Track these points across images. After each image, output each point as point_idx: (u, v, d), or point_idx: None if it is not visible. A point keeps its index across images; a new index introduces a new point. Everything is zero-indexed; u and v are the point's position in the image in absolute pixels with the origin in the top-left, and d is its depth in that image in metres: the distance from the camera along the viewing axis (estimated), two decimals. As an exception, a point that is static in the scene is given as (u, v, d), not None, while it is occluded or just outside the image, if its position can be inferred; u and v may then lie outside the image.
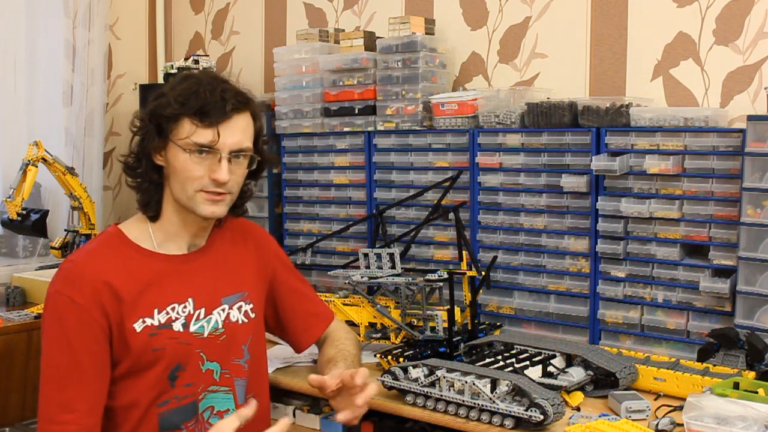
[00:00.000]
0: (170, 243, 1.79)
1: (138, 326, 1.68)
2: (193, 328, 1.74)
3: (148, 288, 1.71)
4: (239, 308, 1.83)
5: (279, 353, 2.36)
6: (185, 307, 1.75)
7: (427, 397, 1.95)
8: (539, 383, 1.92)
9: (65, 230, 3.29)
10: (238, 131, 1.71)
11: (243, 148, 1.73)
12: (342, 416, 1.73)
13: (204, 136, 1.67)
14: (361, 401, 1.70)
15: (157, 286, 1.73)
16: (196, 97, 1.67)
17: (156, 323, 1.70)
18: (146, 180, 1.76)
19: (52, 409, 1.62)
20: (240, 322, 1.82)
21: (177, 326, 1.72)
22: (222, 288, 1.82)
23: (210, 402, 1.75)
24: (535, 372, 2.03)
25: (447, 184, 2.68)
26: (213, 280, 1.81)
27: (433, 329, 2.30)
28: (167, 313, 1.72)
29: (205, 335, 1.76)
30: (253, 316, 1.86)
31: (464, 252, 2.53)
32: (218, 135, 1.68)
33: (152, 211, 1.77)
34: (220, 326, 1.78)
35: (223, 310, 1.80)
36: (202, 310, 1.77)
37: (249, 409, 1.58)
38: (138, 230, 1.78)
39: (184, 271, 1.78)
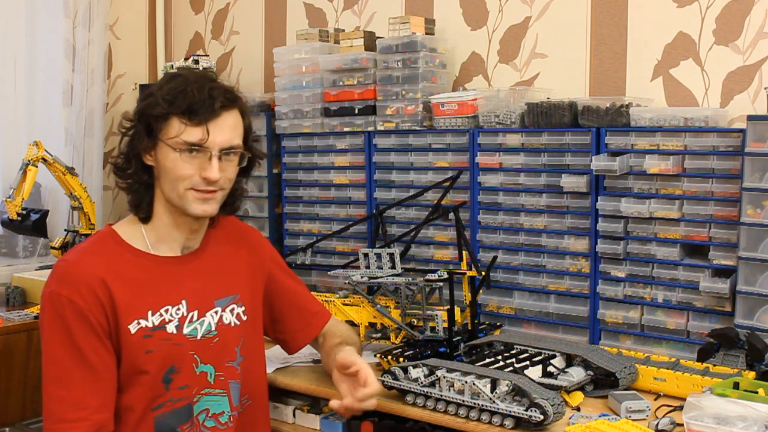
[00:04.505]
0: (163, 245, 1.78)
1: (133, 327, 1.68)
2: (186, 330, 1.74)
3: (141, 289, 1.71)
4: (231, 311, 1.84)
5: (279, 353, 2.35)
6: (179, 309, 1.75)
7: (427, 397, 1.95)
8: (539, 383, 1.92)
9: (65, 230, 3.29)
10: (227, 129, 1.71)
11: (233, 145, 1.72)
12: (335, 403, 1.75)
13: (193, 134, 1.67)
14: (360, 395, 1.73)
15: (151, 287, 1.72)
16: (185, 96, 1.66)
17: (150, 325, 1.70)
18: (136, 181, 1.75)
19: (61, 408, 1.61)
20: (232, 324, 1.82)
21: (170, 328, 1.72)
22: (215, 290, 1.82)
23: (205, 405, 1.75)
24: (535, 372, 2.03)
25: (447, 184, 2.68)
26: (206, 282, 1.81)
27: (433, 329, 2.30)
28: (161, 314, 1.72)
29: (199, 337, 1.76)
30: (245, 318, 1.86)
31: (464, 252, 2.53)
32: (207, 133, 1.67)
33: (144, 212, 1.77)
34: (213, 329, 1.78)
35: (216, 312, 1.80)
36: (195, 313, 1.77)
37: None
38: (131, 231, 1.78)
39: (177, 273, 1.77)
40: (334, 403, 1.76)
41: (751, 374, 1.97)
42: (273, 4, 3.63)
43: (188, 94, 1.67)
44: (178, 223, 1.77)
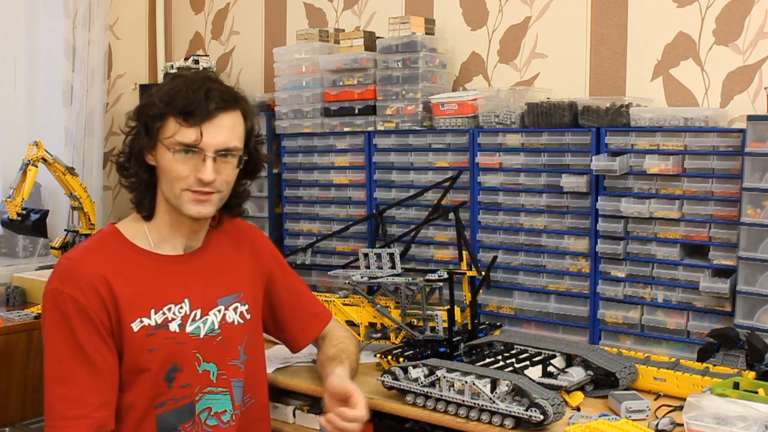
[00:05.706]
0: (166, 244, 1.79)
1: (135, 326, 1.68)
2: (189, 328, 1.74)
3: (144, 287, 1.71)
4: (235, 309, 1.84)
5: (279, 353, 2.36)
6: (181, 307, 1.75)
7: (427, 397, 1.95)
8: (539, 383, 1.92)
9: (65, 230, 3.29)
10: (223, 130, 1.70)
11: (230, 147, 1.72)
12: (323, 420, 1.74)
13: (187, 135, 1.67)
14: (348, 414, 1.71)
15: (154, 285, 1.73)
16: (180, 96, 1.67)
17: (153, 323, 1.70)
18: (138, 179, 1.76)
19: (62, 406, 1.61)
20: (236, 323, 1.83)
21: (173, 327, 1.72)
22: (218, 289, 1.82)
23: (207, 403, 1.76)
24: (535, 372, 2.03)
25: (447, 184, 2.68)
26: (209, 281, 1.81)
27: (433, 329, 2.30)
28: (164, 313, 1.72)
29: (201, 336, 1.76)
30: (248, 317, 1.86)
31: (464, 252, 2.53)
32: (201, 134, 1.67)
33: (145, 210, 1.78)
34: (216, 327, 1.78)
35: (219, 311, 1.81)
36: (198, 311, 1.77)
37: None
38: (134, 229, 1.78)
39: (180, 272, 1.78)
40: (322, 420, 1.76)
41: (751, 374, 1.97)
42: (273, 4, 3.64)
43: (184, 94, 1.67)
44: (179, 222, 1.78)
